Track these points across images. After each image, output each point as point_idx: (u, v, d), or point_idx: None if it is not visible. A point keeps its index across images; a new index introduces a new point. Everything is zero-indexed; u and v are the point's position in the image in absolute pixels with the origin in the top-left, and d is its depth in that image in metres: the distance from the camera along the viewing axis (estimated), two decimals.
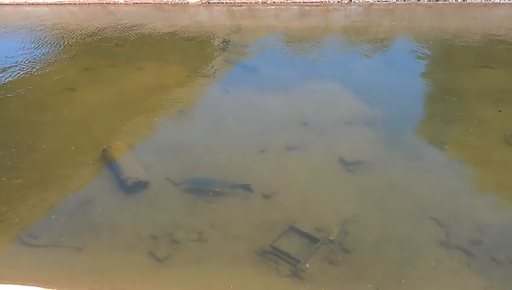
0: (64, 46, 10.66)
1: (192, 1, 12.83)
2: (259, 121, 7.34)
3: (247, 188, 5.90)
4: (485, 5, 11.39)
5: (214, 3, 12.85)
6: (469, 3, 11.48)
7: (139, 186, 5.90)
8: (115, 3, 13.15)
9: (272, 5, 12.62)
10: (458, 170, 6.02)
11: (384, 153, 6.41)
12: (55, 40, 11.14)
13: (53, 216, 5.50)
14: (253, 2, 12.65)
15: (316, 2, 12.42)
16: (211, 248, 5.05)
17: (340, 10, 12.55)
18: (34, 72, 9.35)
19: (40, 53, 10.34)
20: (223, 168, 6.19)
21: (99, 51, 10.33)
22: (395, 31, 11.43)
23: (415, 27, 11.38)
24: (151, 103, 8.07)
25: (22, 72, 9.34)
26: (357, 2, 12.15)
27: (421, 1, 11.73)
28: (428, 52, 9.72)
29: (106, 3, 13.18)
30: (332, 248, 4.89)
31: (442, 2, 11.58)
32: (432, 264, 4.69)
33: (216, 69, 9.51)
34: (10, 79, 9.03)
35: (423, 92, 7.90)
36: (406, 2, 11.85)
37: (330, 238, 4.98)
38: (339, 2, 12.30)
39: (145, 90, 8.51)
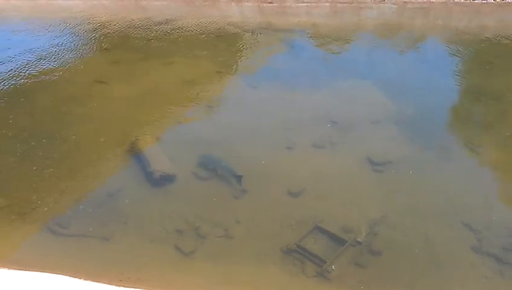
0: (96, 40, 10.84)
1: None
2: (286, 117, 7.24)
3: (238, 179, 5.88)
4: None
5: None
6: (508, 2, 11.04)
7: (166, 179, 5.93)
8: None
9: (303, 2, 12.48)
10: (491, 174, 5.78)
11: (414, 154, 6.22)
12: (87, 33, 11.34)
13: (81, 206, 5.59)
14: None
15: (348, 0, 12.21)
16: (236, 244, 5.02)
17: (373, 8, 12.30)
18: (66, 64, 9.53)
19: (72, 46, 10.54)
20: (250, 163, 6.14)
21: (130, 45, 10.44)
22: (429, 30, 11.12)
23: (450, 26, 11.04)
24: (180, 97, 8.10)
25: (54, 64, 9.53)
26: (391, 0, 11.86)
27: (458, 0, 11.36)
28: (463, 52, 9.40)
29: None
30: (360, 249, 4.78)
31: (480, 1, 11.18)
32: (463, 270, 4.53)
33: (245, 65, 9.47)
34: (42, 71, 9.24)
35: (457, 92, 7.65)
36: (442, 0, 11.48)
37: (358, 239, 4.86)
38: (372, 0, 12.03)
39: (175, 84, 8.55)
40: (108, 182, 6.01)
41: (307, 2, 12.50)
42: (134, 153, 6.40)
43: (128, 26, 11.67)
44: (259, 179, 5.94)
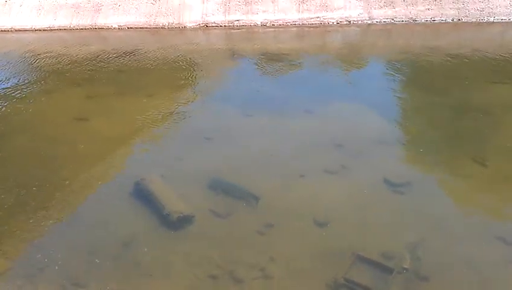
0: (62, 74, 10.12)
1: (190, 25, 12.60)
2: (288, 145, 7.11)
3: (255, 198, 5.81)
4: (478, 23, 11.80)
5: (212, 26, 12.68)
6: (463, 22, 11.86)
7: (184, 221, 5.53)
8: (109, 28, 12.71)
9: (271, 27, 12.59)
10: (506, 185, 6.00)
11: (429, 172, 6.33)
12: (51, 67, 10.58)
13: (97, 260, 5.02)
14: (252, 25, 12.57)
15: (315, 24, 12.48)
16: (278, 284, 4.71)
17: (338, 32, 12.68)
18: (37, 102, 8.79)
19: (37, 82, 9.76)
20: (265, 195, 5.89)
21: (101, 79, 9.87)
22: (394, 50, 11.59)
23: (414, 45, 11.60)
24: (172, 130, 7.72)
25: (23, 103, 8.76)
26: (356, 23, 12.30)
27: (418, 21, 12.01)
28: (438, 69, 9.88)
29: (99, 28, 12.71)
30: (407, 276, 4.68)
31: (439, 21, 11.91)
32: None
33: (227, 92, 9.26)
34: (13, 110, 8.43)
35: (446, 109, 7.92)
36: (404, 22, 12.10)
37: (404, 266, 4.77)
38: (338, 23, 12.41)
39: (162, 117, 8.13)
40: (119, 230, 5.47)
41: (274, 28, 12.62)
42: (141, 195, 5.93)
43: (93, 58, 11.06)
44: (279, 211, 5.70)
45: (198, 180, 6.31)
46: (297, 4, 12.54)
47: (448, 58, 10.36)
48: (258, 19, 12.55)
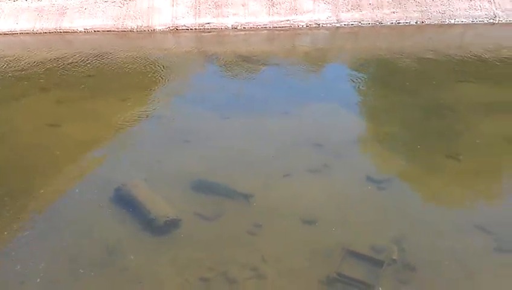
0: (28, 79, 9.70)
1: (160, 28, 12.42)
2: (269, 145, 7.12)
3: (246, 197, 5.85)
4: (440, 25, 12.32)
5: (183, 30, 12.55)
6: (426, 24, 12.35)
7: (170, 225, 5.41)
8: (74, 32, 12.30)
9: (242, 30, 12.61)
10: (484, 177, 6.28)
11: (407, 169, 6.51)
12: (15, 73, 10.11)
13: (81, 270, 4.82)
14: (223, 28, 12.55)
15: (285, 27, 12.62)
16: (273, 284, 4.69)
17: (307, 34, 12.88)
18: (4, 110, 8.37)
19: (3, 89, 9.31)
20: (250, 196, 5.90)
21: (70, 83, 9.54)
22: (362, 52, 11.90)
23: (380, 48, 11.96)
24: (149, 134, 7.55)
25: None
26: (325, 26, 12.54)
27: (384, 23, 12.39)
28: (401, 71, 10.22)
29: (64, 31, 12.28)
30: (396, 267, 4.79)
31: (403, 23, 12.34)
32: (494, 270, 4.74)
33: (201, 95, 9.19)
34: None
35: (417, 108, 8.20)
36: (371, 24, 12.44)
37: (393, 257, 4.88)
38: (307, 26, 12.60)
39: (137, 121, 7.96)
40: (102, 237, 5.27)
41: (245, 31, 12.66)
42: (123, 201, 5.76)
43: (60, 62, 10.67)
44: (266, 211, 5.69)
45: (181, 184, 6.21)
46: (268, 7, 12.65)
47: (415, 59, 10.76)
48: (228, 22, 12.55)
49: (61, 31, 12.32)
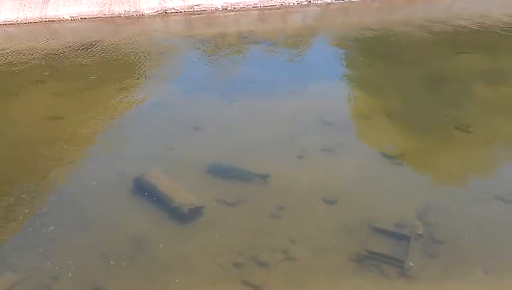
0: (20, 73, 9.31)
1: (148, 12, 12.07)
2: (280, 127, 7.11)
3: (264, 177, 5.93)
4: None
5: (172, 13, 12.23)
6: None
7: (195, 212, 5.41)
8: (60, 20, 11.83)
9: (232, 11, 12.38)
10: (495, 147, 6.45)
11: (419, 143, 6.62)
12: (5, 67, 9.63)
13: (112, 262, 4.80)
14: (213, 9, 12.28)
15: (276, 6, 12.45)
16: (304, 264, 4.78)
17: (298, 12, 12.74)
18: (3, 104, 8.10)
19: None
20: (272, 181, 5.91)
21: (65, 74, 9.22)
22: (355, 28, 11.85)
23: (373, 22, 11.92)
24: (157, 122, 7.40)
25: None
26: (316, 3, 12.43)
27: None
28: (397, 44, 10.27)
29: (49, 20, 11.78)
30: (423, 241, 4.92)
31: None
32: None
33: (203, 79, 9.05)
34: None
35: (420, 80, 8.28)
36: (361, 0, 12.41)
37: (418, 232, 5.00)
38: (298, 4, 12.46)
39: (141, 110, 7.83)
40: (127, 229, 5.24)
41: (235, 11, 12.44)
42: (143, 191, 5.71)
43: (50, 53, 10.29)
44: (286, 193, 5.74)
45: (196, 170, 6.16)
46: None
47: (408, 32, 10.82)
48: (218, 2, 12.29)
49: (46, 20, 11.84)
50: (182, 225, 5.29)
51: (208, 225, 5.31)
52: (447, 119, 6.91)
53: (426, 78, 8.34)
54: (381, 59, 9.63)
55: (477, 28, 10.73)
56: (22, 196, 5.69)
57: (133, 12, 12.07)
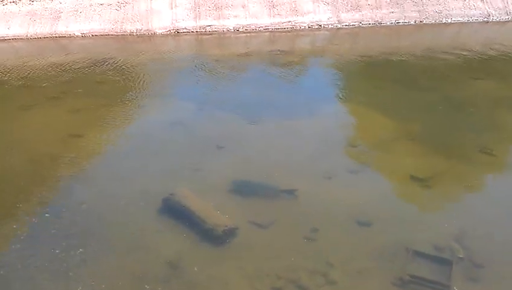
0: (34, 89, 9.21)
1: (160, 31, 12.14)
2: (304, 149, 7.08)
3: (291, 193, 5.94)
4: (437, 24, 12.65)
5: (183, 32, 12.31)
6: (424, 23, 12.65)
7: (229, 234, 5.29)
8: (70, 36, 11.82)
9: (244, 32, 12.51)
10: None
11: (446, 165, 6.60)
12: (18, 82, 9.55)
13: (147, 286, 4.63)
14: (225, 30, 12.40)
15: (287, 28, 12.61)
16: (345, 288, 4.68)
17: (308, 36, 12.91)
18: (16, 121, 7.93)
19: (7, 99, 8.82)
20: (299, 200, 5.86)
21: (79, 91, 9.14)
22: (367, 53, 12.02)
23: (384, 47, 12.14)
24: (180, 141, 7.33)
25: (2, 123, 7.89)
26: (326, 27, 12.63)
27: (384, 23, 12.61)
28: (411, 69, 10.43)
29: (59, 36, 11.77)
30: (464, 265, 4.86)
31: (402, 23, 12.59)
32: None
33: (220, 98, 9.03)
34: None
35: (439, 105, 8.36)
36: (371, 25, 12.63)
37: (459, 256, 4.95)
38: (309, 27, 12.64)
39: (163, 129, 7.71)
40: (160, 251, 5.08)
41: (246, 33, 12.57)
42: (173, 212, 5.57)
43: (63, 69, 10.24)
44: (318, 214, 5.66)
45: (224, 190, 6.07)
46: (268, 9, 12.61)
47: (419, 57, 11.01)
48: (229, 24, 12.43)
49: (56, 35, 11.82)
50: (216, 246, 5.15)
51: (243, 247, 5.18)
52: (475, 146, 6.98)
53: (444, 103, 8.43)
54: (395, 84, 9.73)
55: (486, 54, 10.98)
56: (46, 215, 5.52)
57: (145, 30, 12.13)
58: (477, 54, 10.91)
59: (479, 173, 6.41)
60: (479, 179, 6.26)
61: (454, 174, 6.43)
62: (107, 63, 10.58)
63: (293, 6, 12.66)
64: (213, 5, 12.50)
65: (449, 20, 12.62)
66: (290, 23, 12.56)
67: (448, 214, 5.63)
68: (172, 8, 12.35)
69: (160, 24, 12.19)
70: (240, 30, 12.47)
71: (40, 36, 11.75)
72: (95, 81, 9.62)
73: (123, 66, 10.54)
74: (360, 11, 12.70)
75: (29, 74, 10.05)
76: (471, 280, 4.70)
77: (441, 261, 4.93)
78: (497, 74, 10.09)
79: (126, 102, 8.75)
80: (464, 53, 10.96)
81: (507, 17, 12.66)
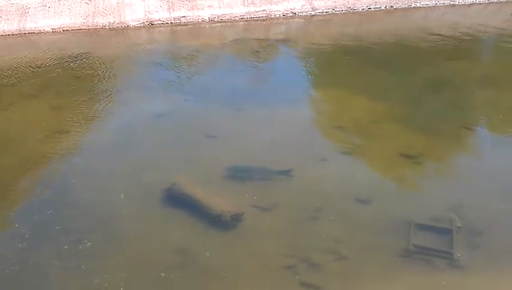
0: (8, 87, 8.72)
1: (133, 24, 11.84)
2: (295, 134, 7.20)
3: (287, 173, 6.10)
4: (407, 9, 13.05)
5: (158, 24, 12.08)
6: (395, 8, 13.02)
7: (236, 219, 5.33)
8: (40, 32, 11.34)
9: (219, 22, 12.43)
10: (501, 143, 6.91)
11: (433, 142, 6.89)
12: None
13: (162, 274, 4.61)
14: (200, 20, 12.27)
15: (262, 17, 12.63)
16: (357, 262, 4.83)
17: (282, 24, 12.99)
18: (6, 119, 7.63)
19: None
20: (298, 181, 5.98)
21: (59, 87, 8.77)
22: (342, 39, 12.22)
23: (359, 33, 12.39)
24: (169, 132, 7.25)
25: None
26: (301, 14, 12.75)
27: (356, 9, 12.87)
28: (387, 53, 10.72)
29: (29, 32, 11.26)
30: (464, 233, 5.12)
31: (374, 9, 12.90)
32: None
33: (203, 88, 8.97)
34: None
35: (419, 86, 8.66)
36: (344, 11, 12.86)
37: (458, 225, 5.21)
38: (284, 16, 12.71)
39: (150, 121, 7.57)
40: (169, 239, 5.08)
41: (221, 22, 12.49)
42: (176, 200, 5.55)
43: (37, 65, 9.83)
44: (319, 194, 5.80)
45: (221, 177, 6.11)
46: None
47: (394, 42, 11.32)
48: (204, 14, 12.31)
49: (25, 32, 11.30)
50: (224, 232, 5.20)
51: (250, 231, 5.25)
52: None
53: (424, 84, 8.76)
54: (373, 68, 9.94)
55: (454, 36, 11.42)
56: (49, 212, 5.37)
57: (117, 23, 11.81)
58: (446, 36, 11.33)
59: (464, 148, 6.76)
60: (465, 153, 6.59)
61: (442, 149, 6.74)
62: (82, 58, 10.24)
63: None
64: None
65: (418, 5, 13.04)
66: (264, 12, 12.59)
67: (442, 187, 5.91)
68: (144, 0, 12.10)
69: (133, 16, 11.91)
70: (215, 20, 12.38)
71: (8, 33, 11.21)
72: (73, 76, 9.30)
73: (99, 61, 10.25)
74: None
75: (2, 72, 9.60)
76: (472, 246, 4.97)
77: (441, 231, 5.17)
78: (466, 54, 10.58)
79: (108, 96, 8.53)
80: (434, 36, 11.35)
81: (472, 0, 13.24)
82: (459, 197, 5.61)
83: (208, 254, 4.90)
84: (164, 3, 12.22)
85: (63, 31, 11.53)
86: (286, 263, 4.80)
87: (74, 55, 10.35)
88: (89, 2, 11.85)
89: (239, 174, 6.17)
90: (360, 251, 4.97)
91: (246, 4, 12.59)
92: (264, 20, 12.79)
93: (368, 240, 5.11)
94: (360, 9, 12.93)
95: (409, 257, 4.86)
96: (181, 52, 11.05)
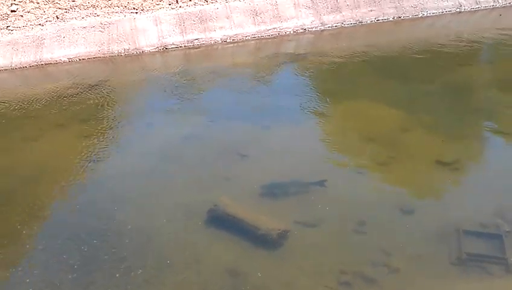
0: (33, 119, 8.76)
1: (148, 49, 11.98)
2: (320, 147, 7.28)
3: (321, 183, 6.13)
4: (414, 19, 13.21)
5: (172, 48, 12.22)
6: (402, 19, 13.18)
7: (282, 237, 5.32)
8: (57, 63, 11.45)
9: (232, 42, 12.57)
10: None
11: (465, 147, 6.96)
12: (12, 113, 9.10)
13: None
14: (212, 42, 12.41)
15: (273, 35, 12.78)
16: (410, 274, 4.81)
17: (292, 40, 13.13)
18: (26, 151, 7.64)
19: (9, 130, 8.48)
20: (336, 194, 5.99)
21: (84, 116, 8.82)
22: (352, 51, 12.35)
23: (367, 44, 12.52)
24: (200, 153, 7.27)
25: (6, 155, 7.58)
26: (311, 30, 12.90)
27: (364, 22, 13.03)
28: (400, 63, 10.83)
29: (46, 63, 11.39)
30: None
31: (382, 20, 13.06)
32: None
33: (227, 109, 9.04)
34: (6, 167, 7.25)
35: (438, 93, 8.73)
36: (352, 24, 13.02)
37: (507, 230, 5.19)
38: (294, 32, 12.87)
39: (180, 143, 7.59)
40: (218, 262, 5.05)
41: (233, 43, 12.64)
42: (220, 221, 5.55)
43: (58, 96, 9.90)
44: (360, 207, 5.80)
45: (259, 194, 6.13)
46: (252, 17, 12.73)
47: (405, 52, 11.42)
48: (216, 36, 12.44)
49: (42, 63, 11.40)
50: (271, 251, 5.19)
51: (298, 248, 5.24)
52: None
53: (443, 90, 8.83)
54: (389, 79, 10.01)
55: (464, 42, 11.54)
56: (94, 241, 5.36)
57: (132, 50, 11.95)
58: (455, 42, 11.46)
59: (497, 151, 6.77)
60: (500, 156, 6.60)
61: (476, 154, 6.79)
62: (101, 86, 10.33)
63: (276, 12, 12.86)
64: (197, 18, 12.50)
65: (425, 14, 13.19)
66: (275, 30, 12.74)
67: (483, 192, 5.91)
68: (157, 25, 12.26)
69: (147, 42, 12.05)
70: (227, 41, 12.52)
71: (25, 65, 11.33)
72: (94, 104, 9.37)
73: (118, 87, 10.35)
74: (340, 12, 13.06)
75: (25, 104, 9.65)
76: None
77: (491, 236, 5.17)
78: (477, 59, 10.68)
79: (133, 122, 8.62)
80: (444, 43, 11.49)
81: (477, 6, 13.40)
82: (502, 202, 5.61)
83: (259, 274, 4.88)
84: (177, 27, 12.38)
85: (80, 60, 11.65)
86: (341, 279, 4.77)
87: (93, 83, 10.45)
88: (102, 30, 12.02)
89: (274, 191, 6.20)
90: (412, 262, 4.95)
91: (257, 23, 12.75)
92: (275, 38, 12.92)
93: (417, 251, 5.09)
94: (368, 22, 13.09)
95: (463, 265, 4.85)
96: (197, 74, 11.18)
